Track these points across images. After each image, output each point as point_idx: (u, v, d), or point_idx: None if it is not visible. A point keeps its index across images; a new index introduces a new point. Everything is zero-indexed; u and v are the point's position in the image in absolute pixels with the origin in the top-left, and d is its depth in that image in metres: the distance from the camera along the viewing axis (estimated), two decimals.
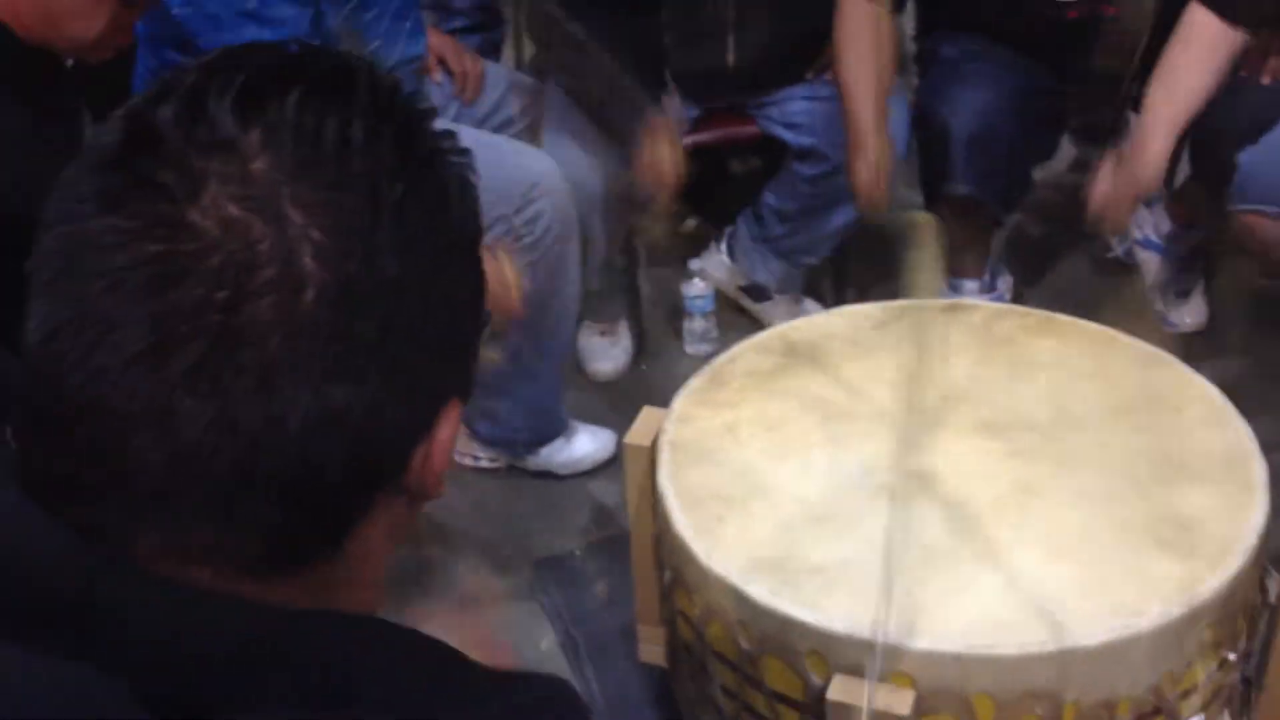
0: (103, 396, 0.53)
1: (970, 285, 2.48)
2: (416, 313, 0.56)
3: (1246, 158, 2.07)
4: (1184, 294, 2.60)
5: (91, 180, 0.54)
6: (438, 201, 0.58)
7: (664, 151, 2.16)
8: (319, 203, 0.54)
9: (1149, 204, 2.67)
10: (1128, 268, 2.71)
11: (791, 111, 2.47)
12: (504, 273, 1.68)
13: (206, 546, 0.55)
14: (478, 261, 0.62)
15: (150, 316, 0.52)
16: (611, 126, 2.23)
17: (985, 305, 1.70)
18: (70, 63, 1.51)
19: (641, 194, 2.25)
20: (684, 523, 1.32)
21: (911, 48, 2.63)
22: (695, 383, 1.52)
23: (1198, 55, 2.04)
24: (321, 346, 0.53)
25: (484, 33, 2.86)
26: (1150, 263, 2.65)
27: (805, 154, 2.46)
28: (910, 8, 2.51)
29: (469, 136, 2.10)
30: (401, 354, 0.56)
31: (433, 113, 0.61)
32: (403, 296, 0.55)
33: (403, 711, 0.55)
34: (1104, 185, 2.07)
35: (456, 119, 2.28)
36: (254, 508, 0.54)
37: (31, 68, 1.45)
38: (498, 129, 2.36)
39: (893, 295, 1.63)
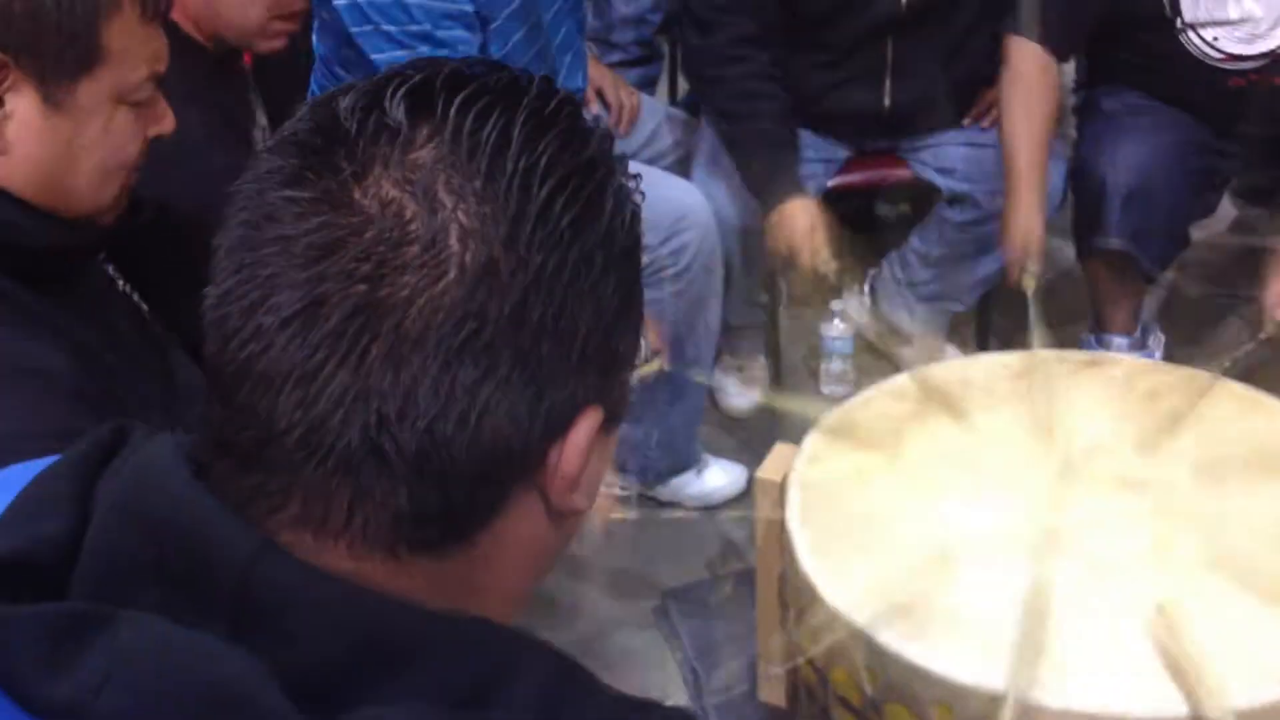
0: (258, 356, 0.56)
1: (1120, 341, 2.42)
2: (557, 308, 0.58)
3: None
4: None
5: (275, 160, 0.58)
6: (590, 207, 0.59)
7: (796, 220, 2.16)
8: (472, 191, 0.56)
9: None
10: None
11: (945, 156, 2.45)
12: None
13: (341, 519, 0.57)
14: (633, 274, 0.63)
15: (306, 282, 0.55)
16: (752, 181, 2.25)
17: (1128, 360, 1.66)
18: (248, 67, 1.58)
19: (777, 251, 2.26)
20: (812, 563, 1.31)
21: (1071, 100, 2.59)
22: (828, 423, 1.51)
23: None
24: (456, 324, 0.55)
25: (642, 67, 2.92)
26: None
27: (956, 199, 2.44)
28: (1073, 59, 2.48)
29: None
30: (536, 345, 0.57)
31: (604, 132, 0.63)
32: (542, 288, 0.57)
33: None
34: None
35: None
36: (383, 482, 0.56)
37: (206, 69, 1.53)
38: (650, 161, 2.39)
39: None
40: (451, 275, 0.55)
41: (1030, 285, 2.07)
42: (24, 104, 1.05)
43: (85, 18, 1.05)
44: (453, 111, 0.58)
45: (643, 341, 0.68)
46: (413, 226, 0.55)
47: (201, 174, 1.38)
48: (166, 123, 1.17)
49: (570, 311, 0.58)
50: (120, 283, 1.23)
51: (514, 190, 0.57)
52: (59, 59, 1.05)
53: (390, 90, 0.59)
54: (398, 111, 0.58)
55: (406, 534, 0.58)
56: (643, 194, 0.64)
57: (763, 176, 2.24)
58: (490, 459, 0.58)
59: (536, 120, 0.59)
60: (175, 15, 1.49)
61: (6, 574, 0.56)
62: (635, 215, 0.63)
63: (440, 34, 1.91)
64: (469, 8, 1.97)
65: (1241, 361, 1.95)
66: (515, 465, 0.59)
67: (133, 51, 1.09)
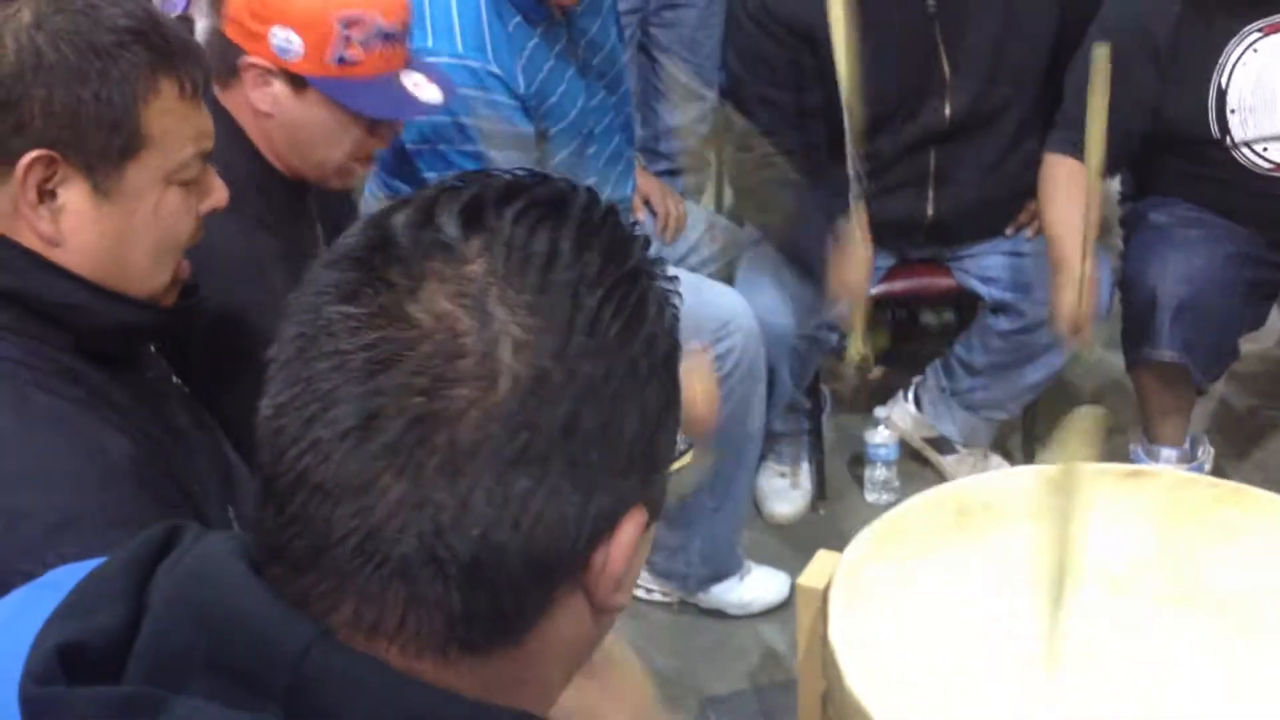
0: (315, 468, 0.57)
1: (1169, 453, 2.40)
2: (604, 415, 0.59)
3: None
4: None
5: (331, 275, 0.60)
6: (635, 315, 0.61)
7: (853, 265, 2.17)
8: (523, 304, 0.58)
9: None
10: None
11: (988, 265, 2.46)
12: (696, 382, 1.70)
13: (394, 623, 0.58)
14: (673, 378, 0.64)
15: (363, 395, 0.57)
16: (802, 254, 2.26)
17: (1171, 473, 1.64)
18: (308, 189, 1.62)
19: (835, 314, 2.25)
20: (854, 677, 1.30)
21: (1116, 211, 2.60)
22: (868, 534, 1.50)
23: None
24: (509, 435, 0.57)
25: (688, 175, 2.96)
26: None
27: (1000, 308, 2.44)
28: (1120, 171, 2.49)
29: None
30: (586, 452, 0.59)
31: (643, 239, 0.65)
32: (592, 397, 0.58)
33: None
34: None
35: None
36: (437, 588, 0.57)
37: (282, 195, 1.57)
38: (695, 268, 2.42)
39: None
40: (505, 387, 0.57)
41: (1088, 355, 2.06)
42: (75, 195, 1.07)
43: (124, 106, 1.06)
44: (503, 225, 0.60)
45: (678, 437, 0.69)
46: (466, 340, 0.57)
47: (266, 291, 1.41)
48: (218, 196, 1.18)
49: (618, 418, 0.60)
50: (172, 375, 1.26)
51: (564, 302, 0.59)
52: (103, 149, 1.06)
53: (443, 205, 0.61)
54: (451, 226, 0.60)
55: (458, 636, 0.59)
56: (680, 296, 0.66)
57: (811, 246, 2.23)
58: (540, 563, 0.59)
59: (583, 231, 0.61)
60: (260, 145, 1.54)
61: (64, 659, 0.57)
62: (675, 319, 0.65)
63: (496, 155, 1.96)
64: (527, 128, 2.01)
65: None
66: (563, 568, 0.60)
67: (175, 132, 1.10)
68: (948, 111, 2.32)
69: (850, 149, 2.10)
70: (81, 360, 1.08)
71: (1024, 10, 2.28)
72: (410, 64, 1.61)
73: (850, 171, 2.12)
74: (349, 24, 1.50)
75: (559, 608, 0.61)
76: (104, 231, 1.08)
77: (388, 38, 1.54)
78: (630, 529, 0.62)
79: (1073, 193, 2.18)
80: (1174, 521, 1.48)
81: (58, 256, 1.07)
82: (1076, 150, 2.15)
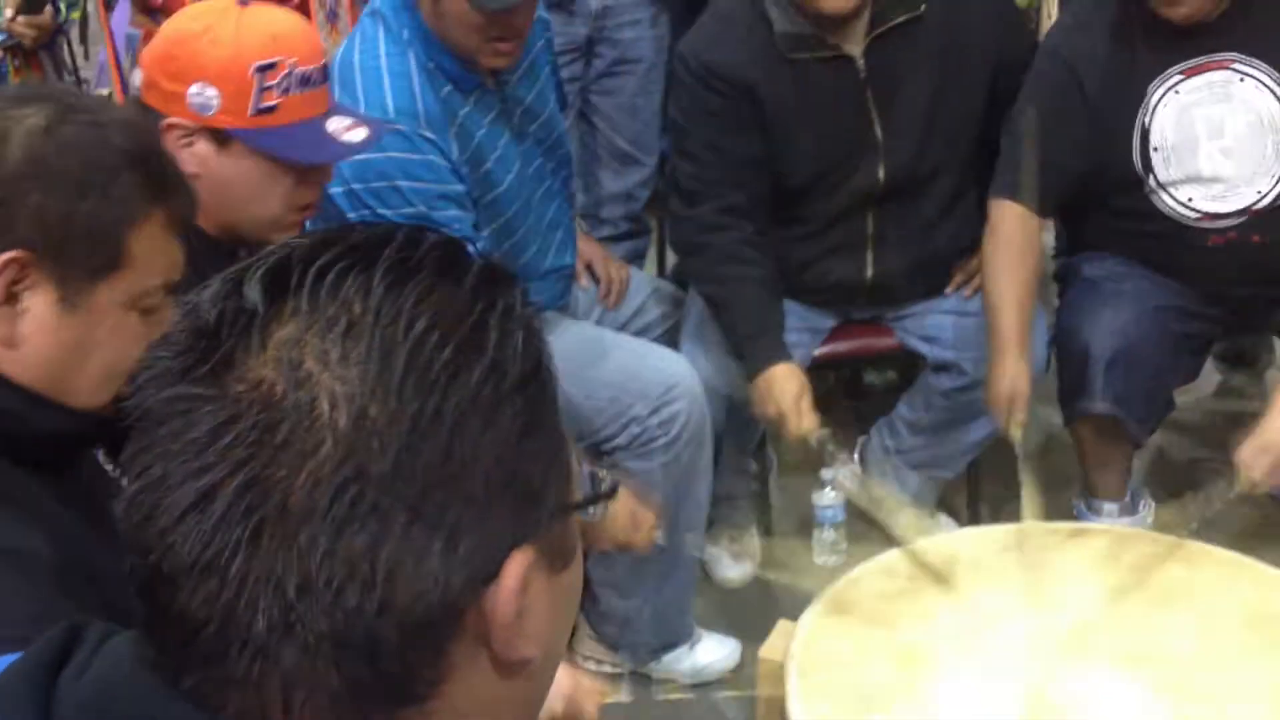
0: (164, 558, 0.56)
1: (1110, 507, 2.42)
2: (442, 453, 0.56)
3: None
4: None
5: (157, 361, 0.59)
6: (469, 344, 0.58)
7: (781, 386, 2.19)
8: (337, 355, 0.56)
9: None
10: (1275, 496, 2.62)
11: (930, 325, 2.48)
12: (633, 509, 1.68)
13: (279, 710, 0.56)
14: (536, 399, 0.61)
15: (192, 476, 0.55)
16: (738, 346, 2.28)
17: (1111, 529, 1.66)
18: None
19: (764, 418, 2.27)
20: None
21: (1051, 266, 2.64)
22: (820, 605, 1.50)
23: None
24: (338, 491, 0.55)
25: (630, 241, 2.98)
26: None
27: (942, 367, 2.46)
28: (1053, 227, 2.53)
29: (611, 340, 2.16)
30: (429, 496, 0.56)
31: (485, 265, 0.62)
32: (424, 436, 0.56)
33: None
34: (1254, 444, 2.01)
35: (600, 322, 2.36)
36: (307, 665, 0.55)
37: (213, 264, 1.55)
38: (639, 333, 2.42)
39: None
40: (327, 443, 0.55)
41: (1018, 435, 2.08)
42: (40, 302, 1.06)
43: (114, 225, 1.07)
44: (309, 280, 0.58)
45: (584, 470, 0.67)
46: (284, 403, 0.55)
47: None
48: None
49: (461, 454, 0.57)
50: (111, 468, 1.23)
51: (380, 343, 0.57)
52: (82, 263, 1.06)
53: (249, 274, 0.59)
54: (254, 294, 0.58)
55: (353, 711, 0.56)
56: (539, 309, 0.63)
57: (748, 342, 2.27)
58: (413, 622, 0.56)
59: (400, 269, 0.59)
60: None
61: None
62: (532, 339, 0.61)
63: (436, 215, 1.96)
64: (461, 188, 2.02)
65: (1223, 521, 1.95)
66: (444, 621, 0.57)
67: (153, 260, 1.10)
68: (882, 174, 2.35)
69: (807, 229, 2.11)
70: (6, 462, 1.06)
71: (955, 71, 2.32)
72: (335, 110, 1.60)
73: (807, 256, 2.11)
74: (266, 71, 1.50)
75: (460, 666, 0.58)
76: (61, 342, 1.07)
77: (307, 82, 1.54)
78: (514, 571, 0.58)
79: (1013, 255, 2.21)
80: (1119, 580, 1.49)
81: (5, 360, 1.06)
82: (1018, 193, 2.18)
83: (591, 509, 0.68)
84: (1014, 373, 2.13)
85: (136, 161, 1.09)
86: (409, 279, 0.58)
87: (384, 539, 0.55)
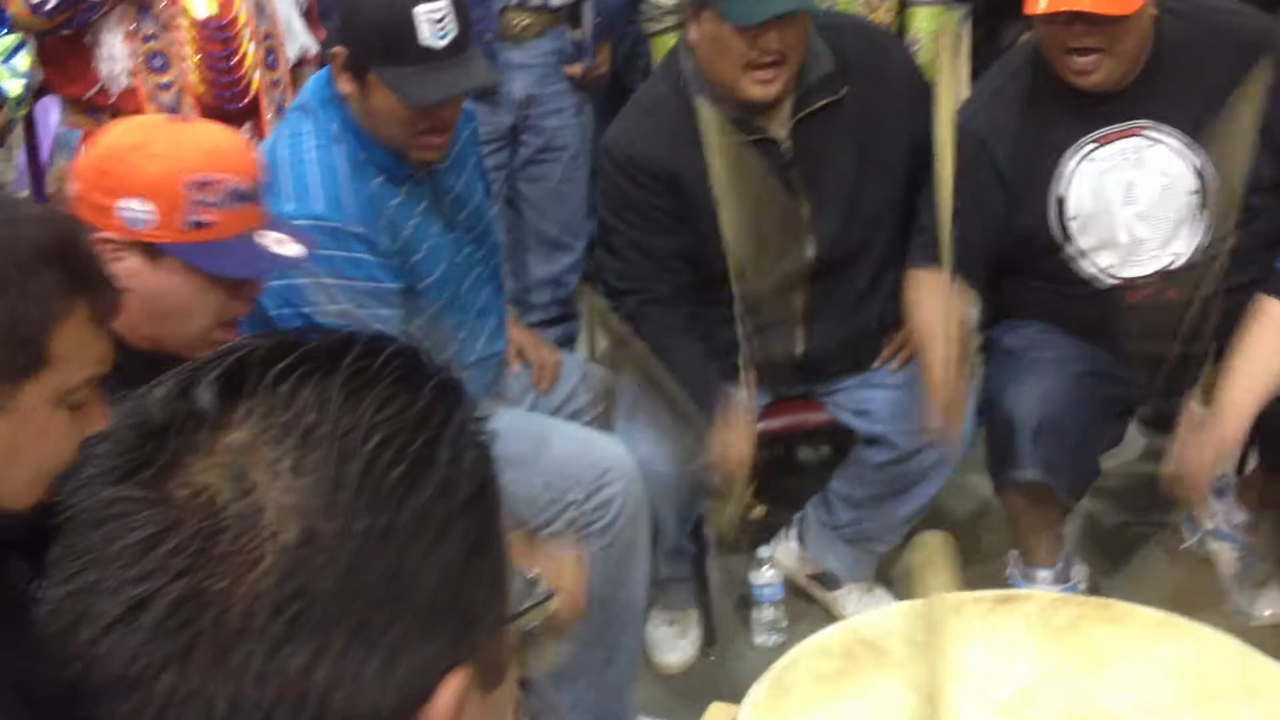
0: (89, 667, 0.54)
1: (1044, 574, 2.44)
2: (389, 571, 0.55)
3: None
4: (1260, 583, 2.55)
5: (97, 460, 0.57)
6: (421, 459, 0.57)
7: (735, 436, 2.21)
8: (288, 465, 0.55)
9: (1220, 494, 2.65)
10: (1204, 558, 2.67)
11: (860, 399, 2.51)
12: (566, 569, 1.67)
13: None
14: (484, 519, 0.59)
15: (125, 584, 0.53)
16: (684, 412, 2.29)
17: (1039, 595, 1.68)
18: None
19: (712, 481, 2.28)
20: None
21: (976, 339, 2.69)
22: (758, 691, 1.49)
23: (1273, 342, 2.08)
24: (279, 607, 0.53)
25: (560, 325, 2.99)
26: (1224, 553, 2.61)
27: (874, 441, 2.49)
28: (975, 299, 2.58)
29: (543, 425, 2.15)
30: (372, 615, 0.54)
31: (441, 379, 0.60)
32: (372, 554, 0.54)
33: None
34: (1182, 449, 2.07)
35: (533, 408, 2.36)
36: None
37: (138, 377, 1.53)
38: (572, 417, 2.42)
39: (965, 585, 1.61)
40: (271, 555, 0.53)
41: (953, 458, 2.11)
42: None
43: (37, 324, 1.05)
44: (265, 385, 0.56)
45: (525, 579, 0.66)
46: (226, 512, 0.54)
47: None
48: (102, 424, 1.15)
49: (408, 573, 0.55)
50: (28, 570, 1.21)
51: (332, 456, 0.55)
52: (7, 363, 1.04)
53: (201, 375, 0.58)
54: (207, 396, 0.57)
55: None
56: (493, 430, 0.62)
57: (694, 404, 2.27)
58: None
59: (356, 379, 0.57)
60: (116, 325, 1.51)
61: None
62: (482, 456, 0.60)
63: (363, 313, 1.95)
64: (390, 284, 2.02)
65: (1165, 589, 1.98)
66: None
67: (79, 355, 1.09)
68: (811, 252, 2.39)
69: (738, 308, 2.16)
70: None
71: (877, 149, 2.37)
72: (268, 223, 1.60)
73: (739, 334, 2.17)
74: (200, 187, 1.50)
75: None
76: None
77: (241, 197, 1.54)
78: (449, 692, 0.57)
79: (936, 301, 2.26)
80: (1050, 644, 1.51)
81: None
82: (936, 264, 2.23)
83: (528, 619, 0.68)
84: (948, 379, 2.17)
85: (54, 257, 1.07)
86: (368, 390, 0.57)
87: (321, 659, 0.53)
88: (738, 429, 2.21)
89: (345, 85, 2.02)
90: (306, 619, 0.53)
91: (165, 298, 1.51)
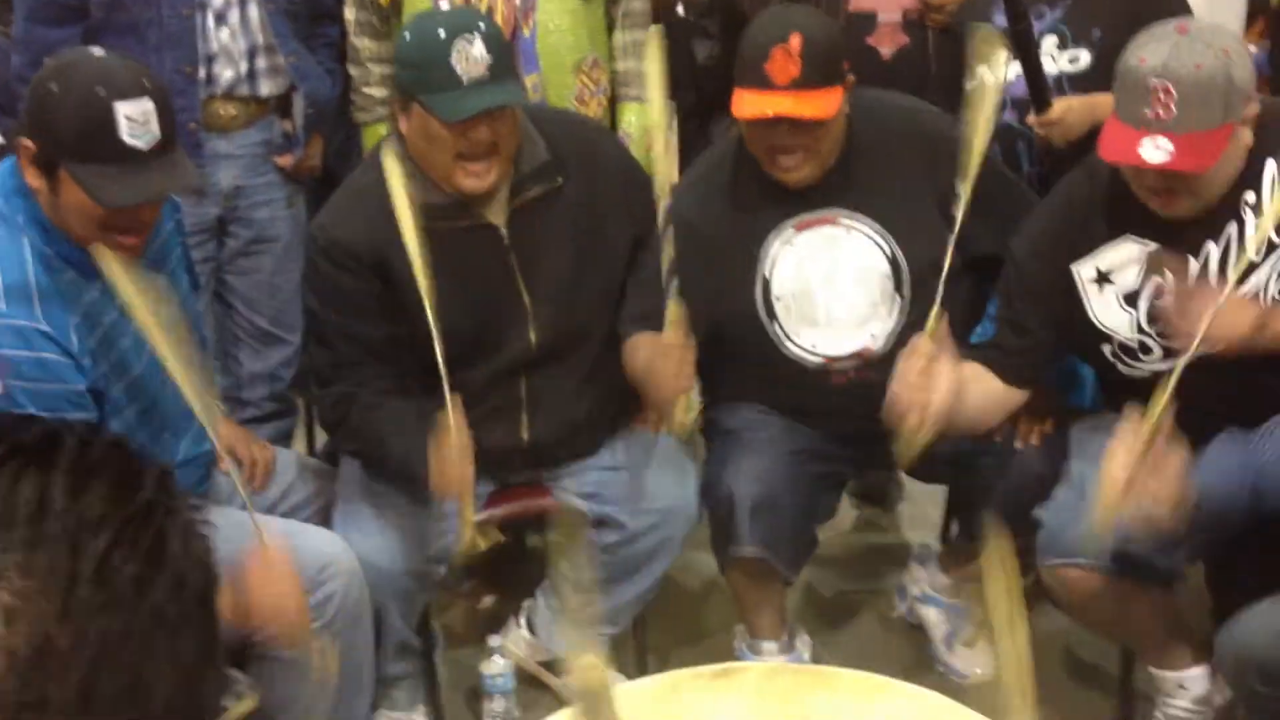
0: None
1: (769, 645, 2.50)
2: (128, 675, 0.53)
3: (1047, 515, 2.20)
4: (969, 644, 2.69)
5: None
6: (154, 554, 0.55)
7: (452, 454, 2.16)
8: (13, 566, 0.52)
9: (923, 562, 2.80)
10: (915, 624, 2.80)
11: (587, 481, 2.52)
12: (271, 584, 1.58)
13: None
14: (210, 618, 0.59)
15: None
16: (404, 502, 2.24)
17: (757, 666, 1.72)
18: None
19: (438, 573, 2.23)
20: None
21: (696, 423, 2.76)
22: None
23: (983, 388, 2.25)
24: (17, 714, 0.50)
25: (276, 421, 2.90)
26: (931, 616, 2.75)
27: (601, 522, 2.50)
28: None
29: (258, 523, 2.04)
30: None
31: (160, 471, 0.59)
32: (110, 658, 0.53)
33: None
34: (901, 387, 2.15)
35: (244, 506, 2.26)
36: None
37: None
38: (288, 513, 2.33)
39: (696, 661, 1.63)
40: (1, 666, 0.51)
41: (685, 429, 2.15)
42: None
43: None
44: None
45: (228, 678, 0.64)
46: None
47: None
48: None
49: (147, 675, 0.54)
50: None
51: (62, 554, 0.53)
52: None
53: None
54: None
55: None
56: (211, 525, 0.60)
57: (408, 454, 2.22)
58: None
59: (79, 473, 0.55)
60: None
61: None
62: (207, 549, 0.59)
63: (50, 418, 1.83)
64: (81, 385, 1.91)
65: (883, 655, 2.04)
66: None
67: None
68: (533, 338, 2.39)
69: (455, 398, 2.13)
70: None
71: (595, 238, 2.41)
72: None
73: (442, 372, 2.14)
74: None
75: None
76: None
77: None
78: None
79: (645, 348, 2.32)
80: (769, 714, 1.54)
81: None
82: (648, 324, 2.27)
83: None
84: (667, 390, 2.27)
85: None
86: (90, 483, 0.54)
87: None
88: (454, 447, 2.17)
89: (33, 180, 1.92)
90: None
91: None
